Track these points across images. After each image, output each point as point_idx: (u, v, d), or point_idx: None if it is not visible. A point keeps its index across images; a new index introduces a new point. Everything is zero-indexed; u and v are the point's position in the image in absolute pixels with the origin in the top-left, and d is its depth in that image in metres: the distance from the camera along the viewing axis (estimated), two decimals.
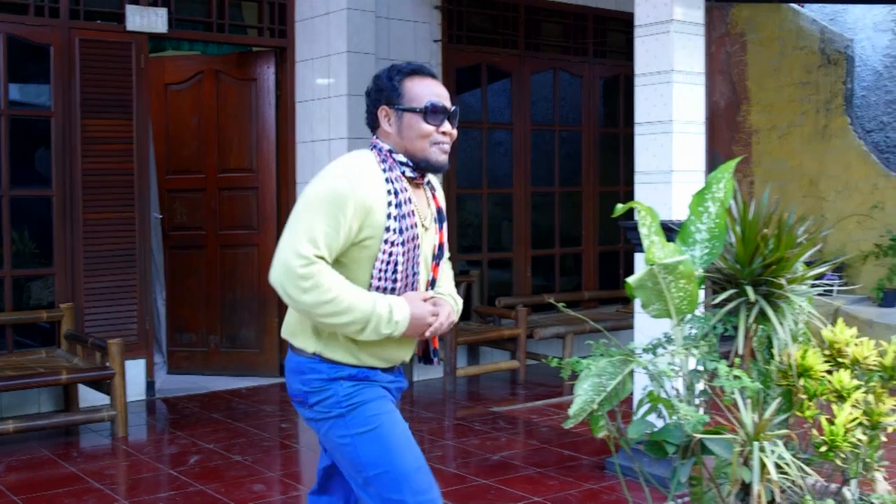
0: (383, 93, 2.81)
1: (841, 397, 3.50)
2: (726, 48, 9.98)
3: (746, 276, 3.41)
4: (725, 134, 9.95)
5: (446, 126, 2.81)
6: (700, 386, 3.40)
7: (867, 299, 8.42)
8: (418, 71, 2.84)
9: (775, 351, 3.53)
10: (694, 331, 3.43)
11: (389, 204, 2.70)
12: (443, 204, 2.98)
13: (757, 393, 3.21)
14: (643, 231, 3.25)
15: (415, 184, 2.85)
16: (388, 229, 2.69)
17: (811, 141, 9.30)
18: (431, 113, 2.78)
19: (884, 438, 3.74)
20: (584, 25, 9.12)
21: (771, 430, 3.31)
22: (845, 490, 3.93)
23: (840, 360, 3.67)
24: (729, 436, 3.20)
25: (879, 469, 3.79)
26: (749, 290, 3.35)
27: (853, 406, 3.50)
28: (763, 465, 3.13)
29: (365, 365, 2.79)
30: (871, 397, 3.66)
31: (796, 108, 9.44)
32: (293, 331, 2.84)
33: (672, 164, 5.07)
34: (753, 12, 9.79)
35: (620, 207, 3.32)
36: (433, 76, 2.86)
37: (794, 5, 9.61)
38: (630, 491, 3.80)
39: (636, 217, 3.31)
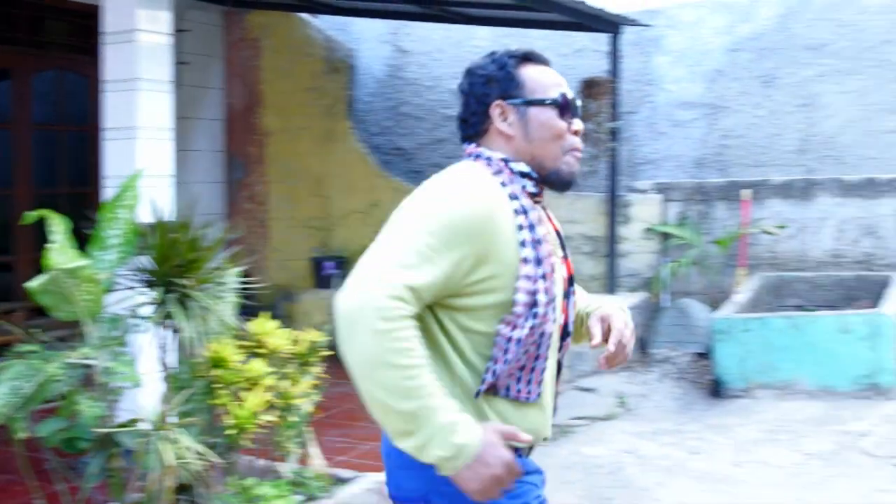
0: (495, 84, 2.17)
1: (255, 384, 3.88)
2: (242, 53, 10.34)
3: (160, 277, 3.67)
4: (242, 136, 10.31)
5: (578, 124, 2.22)
6: (116, 382, 3.63)
7: None
8: (532, 57, 2.24)
9: (197, 344, 3.84)
10: (114, 332, 3.63)
11: (520, 227, 2.03)
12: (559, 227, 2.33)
13: (137, 383, 3.48)
14: (55, 238, 3.40)
15: (534, 201, 2.16)
16: (525, 261, 2.02)
17: (318, 143, 9.94)
18: (564, 107, 2.17)
19: (296, 418, 4.19)
20: (92, 25, 9.04)
21: (187, 418, 3.60)
22: (279, 466, 4.35)
23: (260, 350, 4.06)
24: (137, 427, 3.46)
25: (293, 447, 4.24)
26: (159, 290, 3.62)
27: (266, 391, 3.90)
28: (170, 453, 3.41)
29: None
30: (287, 382, 4.11)
31: (305, 111, 10.03)
32: None
33: (136, 170, 5.26)
34: (267, 19, 10.23)
35: (30, 216, 3.45)
36: (548, 63, 2.27)
37: (304, 14, 10.18)
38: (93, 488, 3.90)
39: (48, 225, 3.46)
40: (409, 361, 1.82)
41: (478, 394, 2.03)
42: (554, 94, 2.17)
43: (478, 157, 2.15)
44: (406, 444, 1.85)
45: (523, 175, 2.13)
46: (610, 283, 8.64)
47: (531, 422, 2.13)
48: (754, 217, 8.59)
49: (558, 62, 9.76)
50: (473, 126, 2.21)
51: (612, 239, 8.65)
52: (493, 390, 2.05)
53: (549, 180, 2.17)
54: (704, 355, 7.76)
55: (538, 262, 2.03)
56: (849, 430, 6.19)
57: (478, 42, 10.13)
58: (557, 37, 9.66)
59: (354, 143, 9.83)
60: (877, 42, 8.75)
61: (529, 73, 2.19)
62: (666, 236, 8.73)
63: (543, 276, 2.04)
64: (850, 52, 8.87)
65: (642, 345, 8.21)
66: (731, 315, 7.26)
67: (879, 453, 5.75)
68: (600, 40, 9.06)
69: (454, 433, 1.84)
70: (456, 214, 1.94)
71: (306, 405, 4.12)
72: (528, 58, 2.23)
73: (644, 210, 8.76)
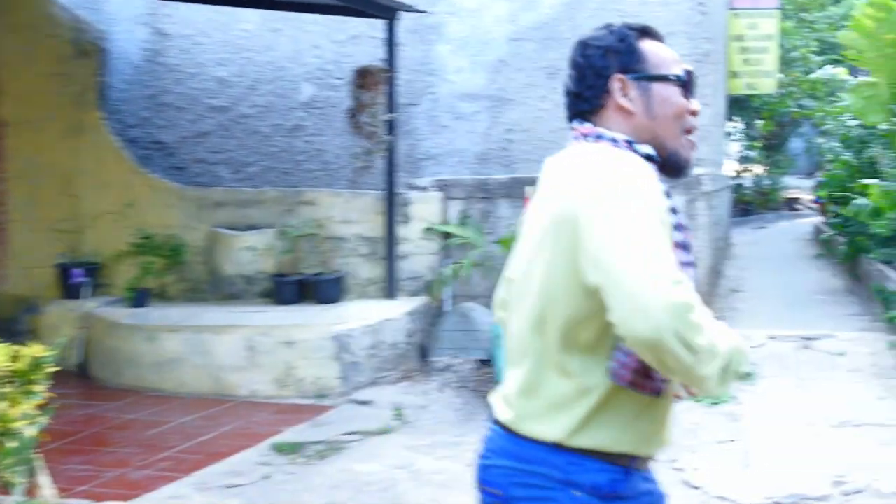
0: (615, 56, 2.20)
1: None
2: None
3: None
4: None
5: (696, 104, 2.25)
6: None
7: (122, 300, 8.91)
8: (650, 32, 2.27)
9: None
10: None
11: (672, 211, 2.07)
12: None
13: None
14: None
15: None
16: (678, 245, 2.06)
17: (66, 136, 9.61)
18: (686, 85, 2.22)
19: (18, 444, 4.04)
20: None
21: None
22: (2, 499, 4.19)
23: None
24: None
25: (16, 477, 4.10)
26: None
27: None
28: None
29: (633, 455, 2.12)
30: (4, 404, 3.95)
31: (51, 100, 9.67)
32: (531, 410, 2.14)
33: None
34: None
35: None
36: (663, 39, 2.30)
37: None
38: None
39: None
40: (714, 330, 1.91)
41: (633, 385, 2.06)
42: (677, 70, 2.22)
43: (599, 137, 2.16)
44: (724, 387, 1.95)
45: (647, 158, 2.13)
46: (389, 287, 8.74)
47: (660, 419, 2.17)
48: None
49: (333, 49, 9.88)
50: (589, 101, 2.21)
51: (390, 240, 8.75)
52: (637, 381, 2.07)
53: (668, 162, 2.19)
54: (488, 362, 7.94)
55: (686, 247, 2.09)
56: None
57: (246, 26, 10.06)
58: (332, 22, 9.70)
59: (107, 135, 9.56)
60: (661, 34, 9.19)
61: (650, 48, 2.23)
62: (447, 236, 8.91)
63: (692, 264, 2.10)
64: None
65: (422, 353, 8.35)
66: None
67: (658, 457, 6.06)
68: (378, 27, 9.15)
69: (743, 349, 2.00)
70: (656, 203, 1.97)
71: (30, 429, 3.98)
72: (648, 33, 2.26)
73: (424, 209, 8.91)
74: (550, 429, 2.07)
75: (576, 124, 2.23)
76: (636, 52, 2.21)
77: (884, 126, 10.37)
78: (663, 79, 2.20)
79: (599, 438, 2.06)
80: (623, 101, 2.17)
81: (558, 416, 2.07)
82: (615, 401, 2.06)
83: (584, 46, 2.25)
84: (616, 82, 2.18)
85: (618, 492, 2.09)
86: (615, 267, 1.88)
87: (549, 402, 2.08)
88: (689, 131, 2.22)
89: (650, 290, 1.83)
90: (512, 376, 2.21)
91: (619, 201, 1.94)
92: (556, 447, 2.07)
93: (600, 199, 1.96)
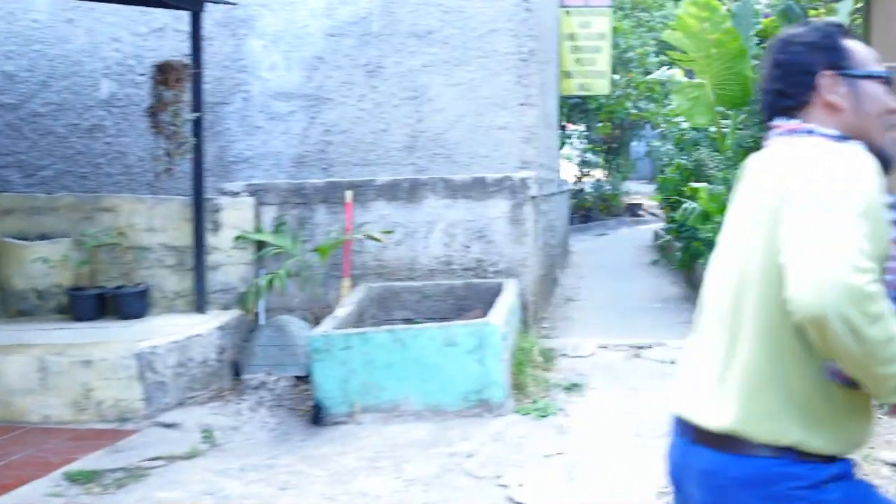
0: (821, 53, 2.34)
1: None
2: None
3: None
4: None
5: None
6: None
7: None
8: (847, 30, 2.40)
9: None
10: None
11: (892, 207, 2.17)
12: None
13: None
14: None
15: None
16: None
17: None
18: (890, 82, 2.36)
19: None
20: None
21: None
22: None
23: None
24: None
25: None
26: None
27: None
28: None
29: (847, 450, 2.26)
30: None
31: None
32: (762, 409, 2.20)
33: None
34: None
35: None
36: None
37: None
38: None
39: None
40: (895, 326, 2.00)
41: (847, 382, 2.15)
42: (880, 68, 2.36)
43: (810, 132, 2.29)
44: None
45: None
46: (199, 300, 8.67)
47: (866, 417, 2.28)
48: (359, 221, 8.97)
49: (134, 43, 9.75)
50: (794, 98, 2.35)
51: (199, 249, 8.69)
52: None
53: (877, 159, 2.23)
54: (305, 378, 7.96)
55: None
56: (455, 452, 6.60)
57: (36, 16, 9.84)
58: (132, 13, 9.57)
59: None
60: (484, 31, 9.42)
61: (852, 45, 2.37)
62: (261, 245, 8.90)
63: None
64: (457, 41, 9.48)
65: (235, 370, 8.31)
66: (329, 332, 7.50)
67: (483, 474, 6.19)
68: (184, 18, 9.07)
69: None
70: (869, 197, 2.06)
71: None
72: (846, 31, 2.40)
73: (236, 215, 8.88)
74: (785, 432, 2.18)
75: (780, 121, 2.38)
76: (842, 49, 2.35)
77: (711, 128, 10.82)
78: (871, 76, 2.35)
79: (824, 441, 2.20)
80: (833, 98, 2.33)
81: (792, 418, 2.18)
82: (849, 396, 2.20)
83: (786, 43, 2.41)
84: (826, 79, 2.33)
85: (851, 472, 2.25)
86: (800, 244, 2.01)
87: (780, 402, 2.19)
88: (891, 128, 2.37)
89: (827, 267, 1.94)
90: (724, 371, 2.29)
91: (828, 188, 2.06)
92: (795, 453, 2.18)
93: (812, 184, 2.09)
